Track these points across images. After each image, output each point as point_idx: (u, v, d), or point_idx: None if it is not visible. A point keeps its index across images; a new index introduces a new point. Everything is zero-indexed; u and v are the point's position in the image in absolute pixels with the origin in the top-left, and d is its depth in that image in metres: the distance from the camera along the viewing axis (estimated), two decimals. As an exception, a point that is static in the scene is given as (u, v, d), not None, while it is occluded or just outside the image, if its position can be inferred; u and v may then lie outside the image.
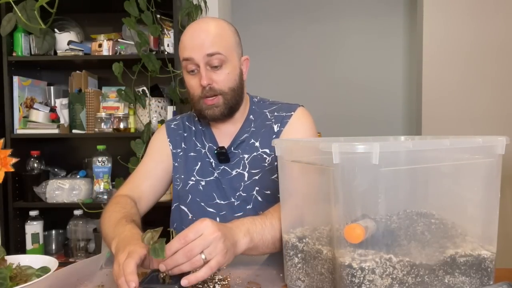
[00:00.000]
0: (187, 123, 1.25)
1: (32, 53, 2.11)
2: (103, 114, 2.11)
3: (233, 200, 1.15)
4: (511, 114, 2.43)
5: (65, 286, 0.85)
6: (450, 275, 0.73)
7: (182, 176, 1.18)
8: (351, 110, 3.42)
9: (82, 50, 2.12)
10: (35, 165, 2.16)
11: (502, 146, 0.76)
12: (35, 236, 2.04)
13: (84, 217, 2.11)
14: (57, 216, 2.25)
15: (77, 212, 2.08)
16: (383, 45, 3.38)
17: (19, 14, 1.77)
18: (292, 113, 1.18)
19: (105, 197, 2.07)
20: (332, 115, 3.36)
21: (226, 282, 0.86)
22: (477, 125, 2.45)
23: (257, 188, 1.14)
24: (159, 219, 1.19)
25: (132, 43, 2.05)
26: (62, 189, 2.09)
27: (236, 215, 1.13)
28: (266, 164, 1.15)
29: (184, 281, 0.72)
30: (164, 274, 0.75)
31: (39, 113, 2.15)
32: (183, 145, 1.21)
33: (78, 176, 2.21)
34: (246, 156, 1.16)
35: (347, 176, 0.66)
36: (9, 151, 0.82)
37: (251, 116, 1.20)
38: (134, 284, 0.70)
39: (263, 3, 3.46)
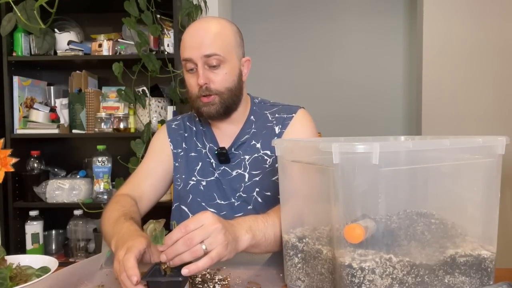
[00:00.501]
0: (188, 123, 1.25)
1: (32, 53, 2.11)
2: (103, 114, 2.11)
3: (233, 200, 1.15)
4: (511, 114, 2.43)
5: (65, 286, 0.85)
6: (450, 275, 0.73)
7: (183, 176, 1.18)
8: (351, 110, 3.42)
9: (82, 50, 2.12)
10: (35, 165, 2.16)
11: (502, 146, 0.77)
12: (35, 236, 2.04)
13: (84, 217, 2.11)
14: (57, 216, 2.25)
15: (77, 212, 2.08)
16: (383, 45, 3.38)
17: (19, 14, 1.77)
18: (293, 114, 1.18)
19: (105, 197, 2.07)
20: (332, 115, 3.36)
21: (226, 282, 0.86)
22: (477, 125, 2.45)
23: (257, 189, 1.14)
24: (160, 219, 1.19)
25: (132, 43, 2.05)
26: (62, 189, 2.08)
27: (237, 215, 1.13)
28: (267, 166, 1.15)
29: (184, 270, 0.72)
30: (166, 266, 0.75)
31: (39, 113, 2.15)
32: (184, 145, 1.21)
33: (78, 176, 2.21)
34: (247, 157, 1.16)
35: (347, 176, 0.66)
36: (9, 151, 0.82)
37: (252, 117, 1.20)
38: (136, 278, 0.70)
39: (262, 3, 3.46)
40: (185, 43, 1.08)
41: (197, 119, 1.24)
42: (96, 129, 2.12)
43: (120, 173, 2.09)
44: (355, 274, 0.66)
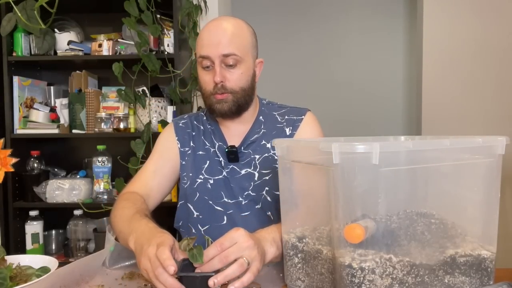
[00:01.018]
0: (195, 122, 1.26)
1: (32, 53, 2.11)
2: (103, 114, 2.11)
3: (240, 199, 1.16)
4: (511, 114, 2.43)
5: (68, 283, 0.85)
6: (450, 275, 0.73)
7: (190, 174, 1.19)
8: (351, 110, 3.41)
9: (82, 50, 2.12)
10: (35, 165, 2.16)
11: (502, 146, 0.77)
12: (35, 236, 2.04)
13: (84, 217, 2.11)
14: (57, 216, 2.25)
15: (77, 212, 2.08)
16: (383, 45, 3.38)
17: (19, 14, 1.77)
18: (303, 117, 1.21)
19: (105, 197, 2.07)
20: (332, 115, 3.35)
21: (226, 282, 0.86)
22: (477, 125, 2.45)
23: (267, 188, 1.15)
24: (162, 218, 1.19)
25: (132, 43, 2.05)
26: (62, 189, 2.09)
27: (243, 214, 1.14)
28: (277, 165, 1.16)
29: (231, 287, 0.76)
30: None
31: (39, 113, 2.15)
32: (191, 144, 1.22)
33: (78, 176, 2.21)
34: (257, 156, 1.17)
35: (347, 176, 0.66)
36: (9, 151, 0.82)
37: (261, 117, 1.22)
38: (173, 268, 0.72)
39: (262, 4, 3.46)
40: (203, 41, 1.09)
41: (204, 118, 1.25)
42: (96, 129, 2.12)
43: (120, 173, 2.09)
44: (355, 274, 0.66)
